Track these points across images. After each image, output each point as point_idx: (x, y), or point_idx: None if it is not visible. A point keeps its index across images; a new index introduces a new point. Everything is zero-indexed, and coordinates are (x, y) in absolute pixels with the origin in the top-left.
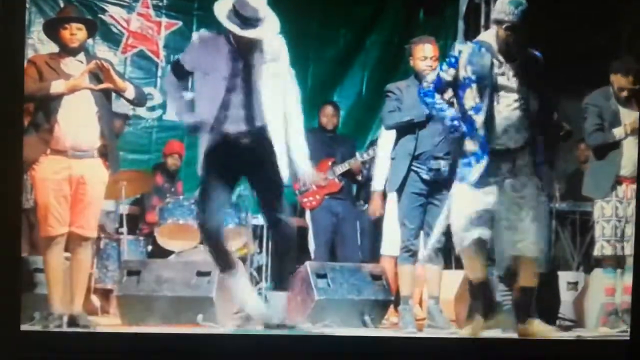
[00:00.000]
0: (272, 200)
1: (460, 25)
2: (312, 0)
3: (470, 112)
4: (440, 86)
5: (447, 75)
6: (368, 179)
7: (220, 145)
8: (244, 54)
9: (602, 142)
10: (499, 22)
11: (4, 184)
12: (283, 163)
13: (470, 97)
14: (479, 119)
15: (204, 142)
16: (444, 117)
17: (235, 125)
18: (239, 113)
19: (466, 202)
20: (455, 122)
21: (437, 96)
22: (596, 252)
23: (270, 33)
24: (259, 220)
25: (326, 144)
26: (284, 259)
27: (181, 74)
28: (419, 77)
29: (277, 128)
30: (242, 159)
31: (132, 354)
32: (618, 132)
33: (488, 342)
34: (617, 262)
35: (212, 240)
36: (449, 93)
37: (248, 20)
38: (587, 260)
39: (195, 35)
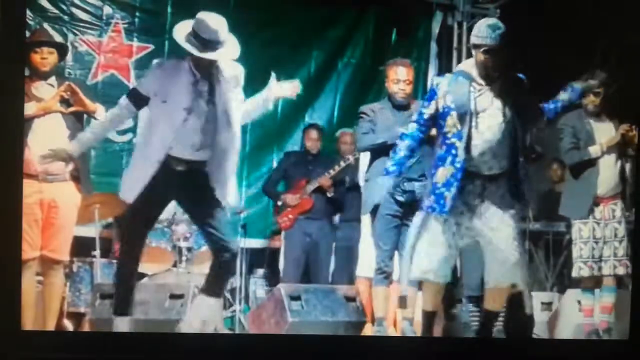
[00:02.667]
0: (208, 221)
1: (433, 47)
2: (283, 22)
3: (453, 139)
4: (422, 121)
5: (429, 109)
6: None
7: (159, 170)
8: (206, 78)
9: (579, 160)
10: (477, 47)
11: (4, 185)
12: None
13: (452, 124)
14: (461, 144)
15: (146, 168)
16: (387, 160)
17: (183, 149)
18: (193, 138)
19: (435, 238)
20: (391, 168)
21: (405, 142)
22: (574, 273)
23: (229, 56)
24: None
25: (305, 165)
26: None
27: (138, 100)
28: (392, 99)
29: (229, 156)
30: (176, 183)
31: (131, 354)
32: (594, 150)
33: (487, 342)
34: (594, 283)
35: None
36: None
37: (207, 43)
38: (561, 281)
39: (154, 61)
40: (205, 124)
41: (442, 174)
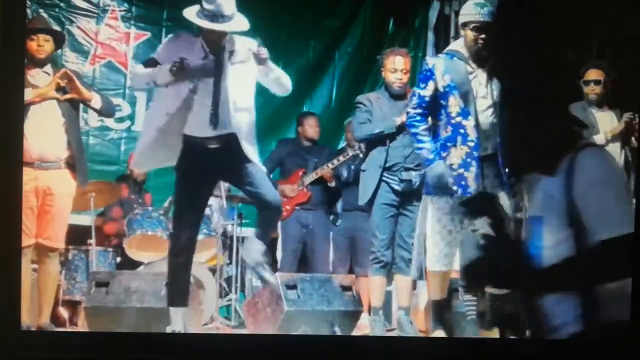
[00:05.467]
0: (258, 189)
1: (430, 36)
2: (281, 12)
3: (458, 119)
4: (424, 104)
5: (427, 91)
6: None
7: (189, 152)
8: (215, 54)
9: None
10: (465, 25)
11: (4, 184)
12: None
13: (455, 104)
14: (469, 123)
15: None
16: (422, 149)
17: (201, 129)
18: (204, 115)
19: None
20: (431, 156)
21: (422, 126)
22: None
23: (237, 28)
24: (229, 230)
25: (300, 155)
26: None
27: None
28: (389, 88)
29: (244, 129)
30: (214, 163)
31: (131, 354)
32: (599, 139)
33: (486, 342)
34: None
35: (179, 266)
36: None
37: (214, 15)
38: None
39: (171, 35)
40: (215, 97)
41: (457, 155)
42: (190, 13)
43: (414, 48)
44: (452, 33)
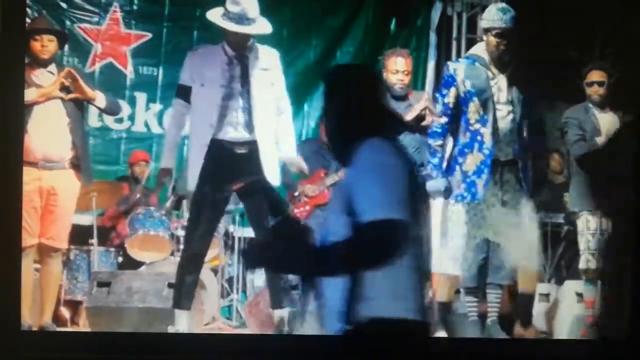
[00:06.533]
0: (261, 216)
1: (432, 37)
2: (282, 10)
3: (477, 126)
4: (448, 110)
5: (450, 97)
6: None
7: (217, 156)
8: (240, 58)
9: (586, 151)
10: (488, 30)
11: (4, 184)
12: (273, 172)
13: (474, 110)
14: (487, 130)
15: (197, 154)
16: (429, 164)
17: (234, 132)
18: (238, 119)
19: (463, 227)
20: (434, 174)
21: (437, 142)
22: (581, 264)
23: (262, 31)
24: (231, 230)
25: (322, 156)
26: (274, 279)
27: (184, 94)
28: (390, 90)
29: (268, 137)
30: (238, 169)
31: (131, 354)
32: (600, 141)
33: (486, 342)
34: (599, 275)
35: (189, 269)
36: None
37: (239, 18)
38: (559, 272)
39: (189, 52)
40: (246, 101)
41: (472, 161)
42: (215, 16)
43: (416, 49)
44: (454, 34)
